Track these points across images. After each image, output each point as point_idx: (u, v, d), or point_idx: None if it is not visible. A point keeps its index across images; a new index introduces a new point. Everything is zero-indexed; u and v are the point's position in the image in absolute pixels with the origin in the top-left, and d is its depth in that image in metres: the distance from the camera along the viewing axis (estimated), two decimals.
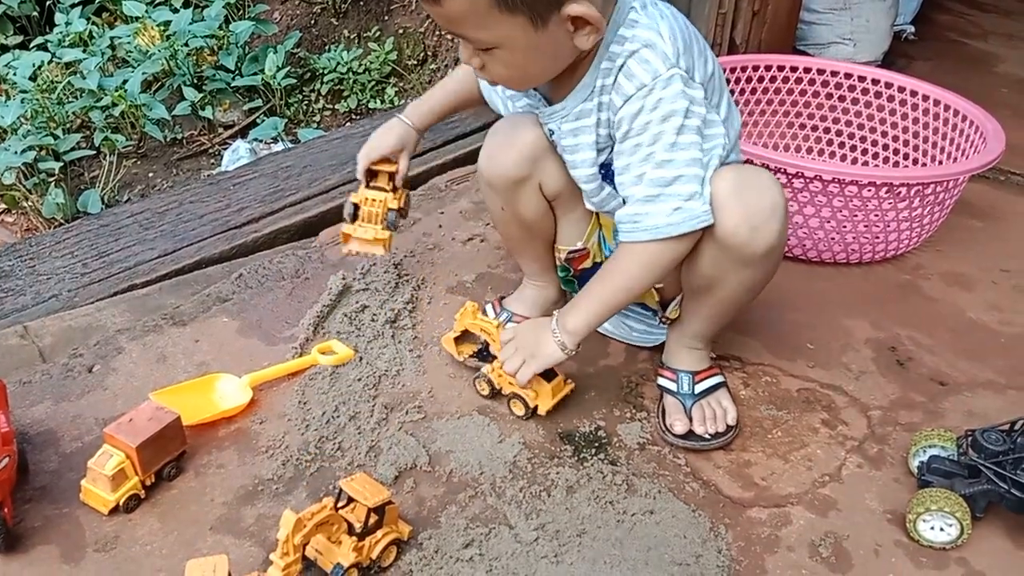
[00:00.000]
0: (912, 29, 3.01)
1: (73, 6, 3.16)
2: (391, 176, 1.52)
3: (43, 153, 2.67)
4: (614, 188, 1.27)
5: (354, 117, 3.12)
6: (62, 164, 2.65)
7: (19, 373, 1.42)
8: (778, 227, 1.21)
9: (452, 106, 1.55)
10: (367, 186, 1.53)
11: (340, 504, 1.11)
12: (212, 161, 2.91)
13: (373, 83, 3.14)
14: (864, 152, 2.10)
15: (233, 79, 2.98)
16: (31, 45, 3.07)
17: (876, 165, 2.09)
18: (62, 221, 2.57)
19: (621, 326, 1.56)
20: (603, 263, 1.48)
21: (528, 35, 1.12)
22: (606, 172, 1.29)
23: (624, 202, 1.24)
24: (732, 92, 2.08)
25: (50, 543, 1.16)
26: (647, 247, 1.21)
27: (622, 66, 1.18)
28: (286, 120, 2.95)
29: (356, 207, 1.52)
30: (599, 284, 1.27)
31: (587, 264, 1.50)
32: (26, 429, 1.31)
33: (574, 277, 1.52)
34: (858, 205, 1.70)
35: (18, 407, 1.33)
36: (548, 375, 1.35)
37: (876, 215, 1.71)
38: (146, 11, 3.03)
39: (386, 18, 3.30)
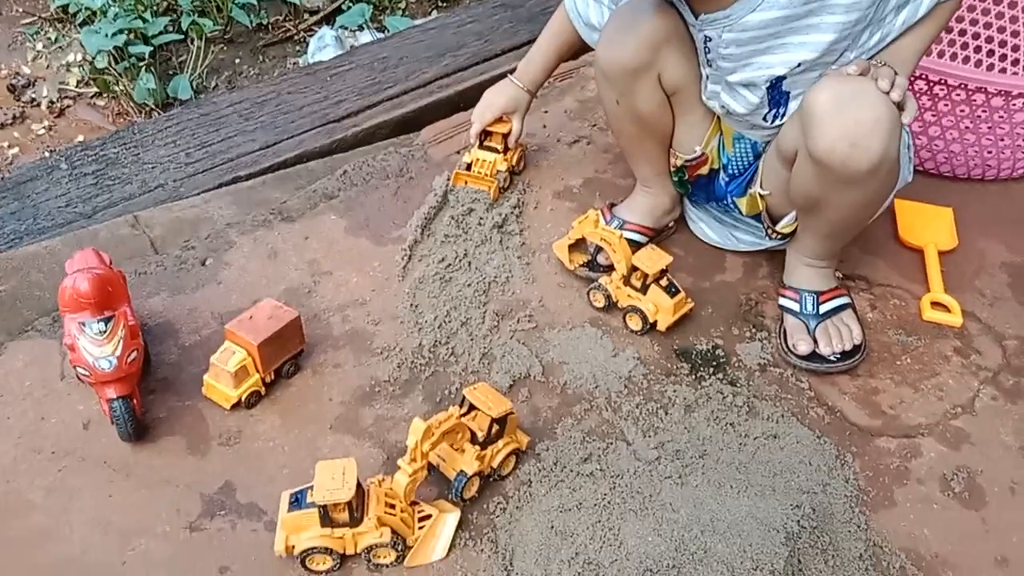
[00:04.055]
0: None
1: None
2: (504, 136, 1.56)
3: (132, 37, 2.63)
4: (774, 106, 1.19)
5: (440, 4, 3.00)
6: (151, 48, 2.62)
7: (133, 263, 1.42)
8: (881, 144, 1.09)
9: (557, 59, 1.54)
10: (480, 146, 1.58)
11: (462, 412, 1.10)
12: (297, 48, 2.84)
13: None
14: (1002, 58, 1.93)
15: None
16: None
17: (1015, 72, 1.92)
18: (153, 107, 2.56)
19: (729, 237, 1.49)
20: (721, 169, 1.41)
21: None
22: (775, 86, 1.20)
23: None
24: None
25: (176, 434, 1.18)
26: None
27: None
28: (372, 6, 2.85)
29: (469, 166, 1.57)
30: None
31: (703, 170, 1.42)
32: (145, 320, 1.32)
33: (689, 182, 1.44)
34: (1001, 117, 1.56)
35: (136, 298, 1.34)
36: (671, 290, 1.30)
37: (1021, 129, 1.57)
38: None
39: None
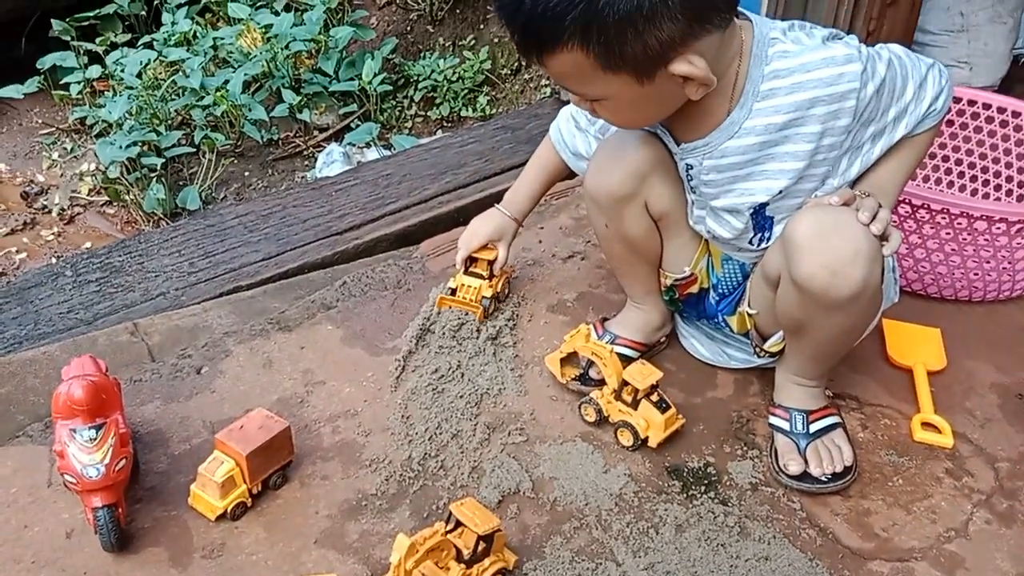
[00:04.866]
0: None
1: (179, 6, 3.24)
2: (490, 263, 1.57)
3: (146, 149, 2.74)
4: (759, 230, 1.23)
5: (445, 125, 3.13)
6: (163, 160, 2.72)
7: (129, 371, 1.44)
8: (862, 274, 1.12)
9: (544, 187, 1.60)
10: (466, 272, 1.58)
11: (448, 528, 1.09)
12: (306, 163, 2.95)
13: (466, 91, 3.14)
14: (985, 183, 2.00)
15: (330, 83, 3.01)
16: (139, 43, 3.16)
17: (997, 198, 1.98)
18: (162, 216, 2.64)
19: (720, 354, 1.51)
20: (710, 289, 1.43)
21: (634, 89, 1.11)
22: (758, 212, 1.24)
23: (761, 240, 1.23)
24: None
25: (159, 545, 1.16)
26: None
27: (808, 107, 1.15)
28: (379, 125, 2.97)
29: (453, 291, 1.58)
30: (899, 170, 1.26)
31: (693, 289, 1.45)
32: (137, 428, 1.32)
33: (679, 300, 1.47)
34: (986, 241, 1.61)
35: (129, 405, 1.35)
36: (662, 406, 1.31)
37: (1006, 252, 1.62)
38: (249, 14, 3.09)
39: (481, 27, 3.30)
